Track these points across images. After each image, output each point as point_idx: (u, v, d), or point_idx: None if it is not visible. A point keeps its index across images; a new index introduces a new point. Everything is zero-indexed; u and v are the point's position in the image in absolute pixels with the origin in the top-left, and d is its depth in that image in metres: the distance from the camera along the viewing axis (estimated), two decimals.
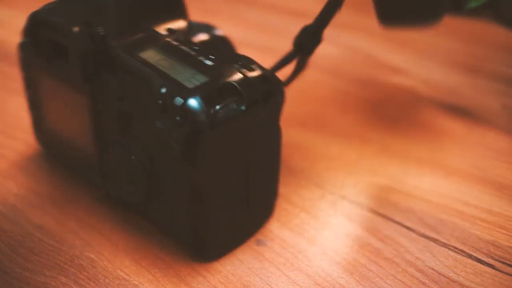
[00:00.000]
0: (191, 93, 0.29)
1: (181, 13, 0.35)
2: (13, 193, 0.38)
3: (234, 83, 0.30)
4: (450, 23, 0.60)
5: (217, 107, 0.29)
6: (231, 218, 0.33)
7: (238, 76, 0.30)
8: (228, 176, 0.31)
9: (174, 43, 0.33)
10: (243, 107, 0.30)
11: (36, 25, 0.34)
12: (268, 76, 0.32)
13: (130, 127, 0.33)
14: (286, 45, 0.41)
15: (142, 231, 0.35)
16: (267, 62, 0.33)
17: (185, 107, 0.29)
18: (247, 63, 0.31)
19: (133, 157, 0.33)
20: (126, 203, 0.35)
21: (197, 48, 0.32)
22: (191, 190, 0.31)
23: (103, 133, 0.34)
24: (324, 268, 0.33)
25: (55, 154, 0.40)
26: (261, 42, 0.44)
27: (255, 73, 0.31)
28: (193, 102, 0.29)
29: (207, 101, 0.29)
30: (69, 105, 0.35)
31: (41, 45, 0.34)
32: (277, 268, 0.33)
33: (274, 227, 0.36)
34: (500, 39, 0.58)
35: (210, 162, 0.30)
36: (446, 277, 0.33)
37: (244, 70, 0.31)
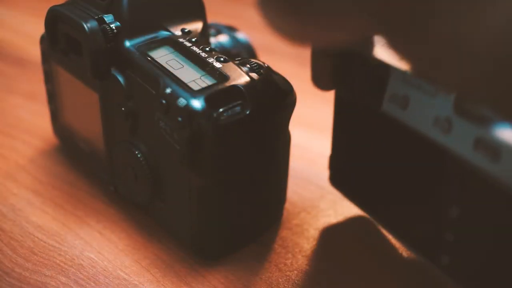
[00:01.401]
0: (195, 94, 0.29)
1: (198, 14, 0.35)
2: (13, 193, 0.38)
3: (240, 86, 0.30)
4: None
5: (221, 109, 0.29)
6: (233, 222, 0.33)
7: (245, 79, 0.30)
8: (230, 180, 0.31)
9: (187, 44, 0.33)
10: (248, 111, 0.30)
11: (53, 19, 0.34)
12: (278, 80, 0.32)
13: (137, 127, 0.33)
14: (286, 45, 0.40)
15: (142, 231, 0.35)
16: (267, 62, 0.33)
17: (188, 108, 0.29)
18: (258, 67, 0.31)
19: (139, 156, 0.33)
20: (133, 201, 0.35)
21: (209, 49, 0.32)
22: (192, 192, 0.31)
23: (112, 131, 0.35)
24: (324, 268, 0.33)
25: (69, 148, 0.41)
26: (261, 42, 0.44)
27: (264, 77, 0.31)
28: (196, 104, 0.29)
29: (210, 104, 0.29)
30: (82, 101, 0.36)
31: (58, 39, 0.35)
32: (277, 268, 0.33)
33: (274, 227, 0.36)
34: None
35: (211, 165, 0.30)
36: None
37: (253, 74, 0.31)
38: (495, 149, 0.25)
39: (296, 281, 0.33)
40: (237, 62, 0.32)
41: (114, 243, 0.35)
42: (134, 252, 0.34)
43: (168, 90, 0.29)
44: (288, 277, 0.33)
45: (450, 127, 0.27)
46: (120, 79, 0.32)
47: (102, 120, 0.35)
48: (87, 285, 0.32)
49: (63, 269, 0.33)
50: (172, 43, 0.33)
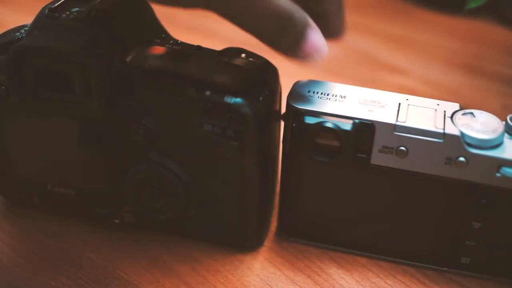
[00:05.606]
0: (237, 88, 0.29)
1: (153, 21, 0.33)
2: None
3: (261, 72, 0.31)
4: (450, 23, 0.60)
5: (261, 97, 0.30)
6: (266, 206, 0.35)
7: (255, 65, 0.31)
8: (265, 164, 0.32)
9: (176, 47, 0.31)
10: (278, 93, 0.32)
11: (20, 57, 0.29)
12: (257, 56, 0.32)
13: (160, 143, 0.31)
14: None
15: (142, 232, 0.35)
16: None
17: (237, 104, 0.29)
18: (240, 51, 0.31)
19: (167, 172, 0.31)
20: (152, 222, 0.34)
21: (196, 47, 0.31)
22: (244, 183, 0.31)
23: (118, 160, 0.32)
24: (324, 268, 0.33)
25: (31, 201, 0.36)
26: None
27: (259, 60, 0.31)
28: (243, 97, 0.29)
29: (253, 93, 0.29)
30: (66, 140, 0.32)
31: (24, 81, 0.30)
32: (277, 268, 0.33)
33: (274, 227, 0.36)
34: (500, 39, 0.58)
35: (257, 153, 0.31)
36: (445, 277, 0.33)
37: (250, 59, 0.31)
38: None
39: (296, 281, 0.33)
40: (228, 52, 0.31)
41: (114, 243, 0.35)
42: (134, 252, 0.34)
43: (207, 92, 0.29)
44: (288, 277, 0.33)
45: (467, 162, 0.29)
46: (128, 99, 0.30)
47: (103, 152, 0.32)
48: (87, 285, 0.32)
49: (63, 269, 0.33)
50: (163, 51, 0.31)
